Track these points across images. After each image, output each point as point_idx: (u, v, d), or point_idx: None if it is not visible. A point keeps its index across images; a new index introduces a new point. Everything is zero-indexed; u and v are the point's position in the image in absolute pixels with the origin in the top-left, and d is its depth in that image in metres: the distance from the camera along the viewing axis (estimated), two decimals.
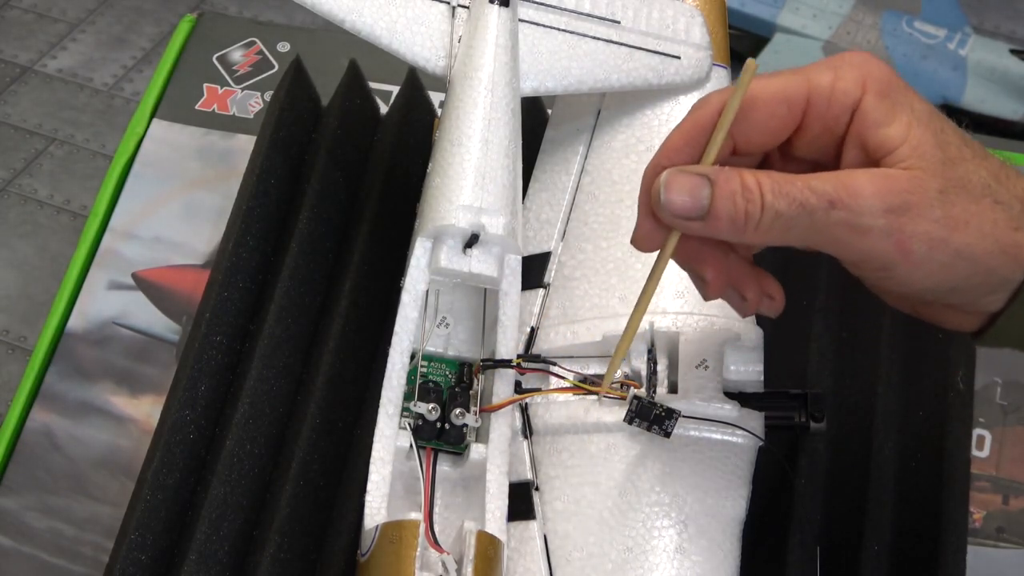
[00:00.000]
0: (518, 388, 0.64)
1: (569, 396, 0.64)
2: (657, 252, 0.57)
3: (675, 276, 0.66)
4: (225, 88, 0.91)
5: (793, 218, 0.52)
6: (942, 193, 0.52)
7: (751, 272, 0.58)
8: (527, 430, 0.64)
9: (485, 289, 0.64)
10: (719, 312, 0.65)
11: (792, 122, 0.55)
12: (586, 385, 0.63)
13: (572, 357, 0.65)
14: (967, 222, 0.53)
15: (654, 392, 0.63)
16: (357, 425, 0.69)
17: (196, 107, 0.90)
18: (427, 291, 0.63)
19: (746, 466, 0.63)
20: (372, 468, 0.60)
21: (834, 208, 0.52)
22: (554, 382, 0.64)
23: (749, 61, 0.53)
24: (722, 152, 0.55)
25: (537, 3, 0.69)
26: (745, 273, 0.58)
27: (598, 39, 0.70)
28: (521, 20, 0.68)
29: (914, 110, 0.54)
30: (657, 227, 0.55)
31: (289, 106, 0.79)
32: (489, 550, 0.57)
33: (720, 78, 0.72)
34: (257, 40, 0.94)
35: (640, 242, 0.56)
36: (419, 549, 0.56)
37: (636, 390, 0.62)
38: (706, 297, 0.58)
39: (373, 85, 0.83)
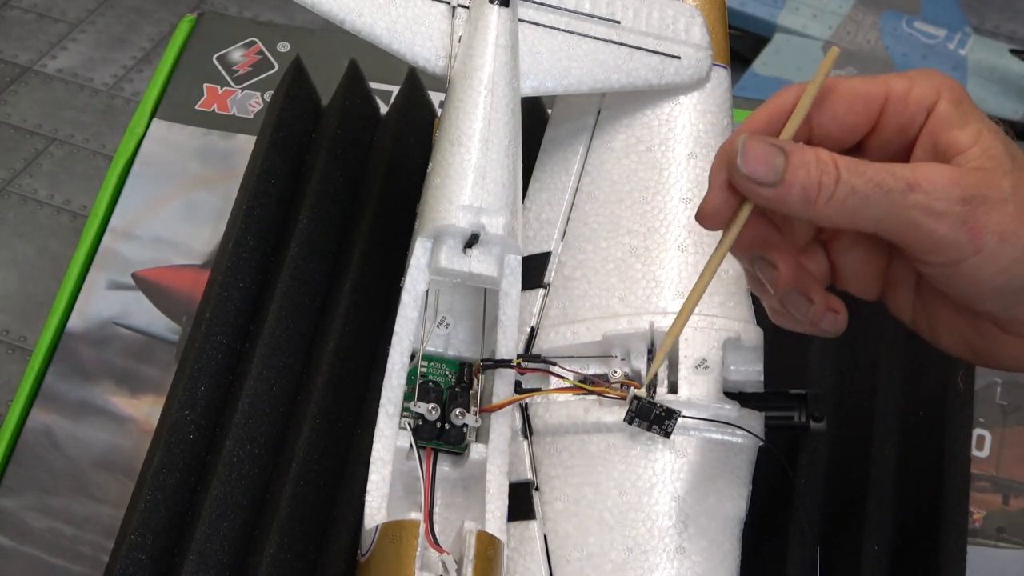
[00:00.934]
0: (518, 388, 0.64)
1: (569, 396, 0.64)
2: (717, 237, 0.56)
3: (675, 276, 0.66)
4: (225, 88, 0.91)
5: (868, 196, 0.52)
6: (1015, 190, 0.53)
7: (816, 278, 0.57)
8: (527, 430, 0.64)
9: (485, 289, 0.64)
10: (719, 312, 0.65)
11: (869, 120, 0.55)
12: (586, 385, 0.63)
13: (572, 357, 0.65)
14: None
15: (654, 392, 0.63)
16: (357, 425, 0.69)
17: (196, 107, 0.90)
18: (427, 291, 0.63)
19: (746, 466, 0.63)
20: (372, 468, 0.60)
21: (912, 191, 0.52)
22: (554, 382, 0.64)
23: (833, 49, 0.55)
24: (798, 137, 0.55)
25: (537, 3, 0.69)
26: (811, 277, 0.57)
27: (598, 39, 0.70)
28: (521, 20, 0.68)
29: (984, 120, 0.55)
30: (727, 199, 0.55)
31: (289, 106, 0.79)
32: (489, 550, 0.57)
33: (720, 78, 0.72)
34: (257, 40, 0.94)
35: (706, 216, 0.56)
36: (419, 549, 0.56)
37: (636, 390, 0.62)
38: (776, 290, 0.57)
39: (373, 85, 0.83)
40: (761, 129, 0.55)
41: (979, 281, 0.54)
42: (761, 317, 0.66)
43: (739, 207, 0.55)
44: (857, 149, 0.56)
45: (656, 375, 0.64)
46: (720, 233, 0.56)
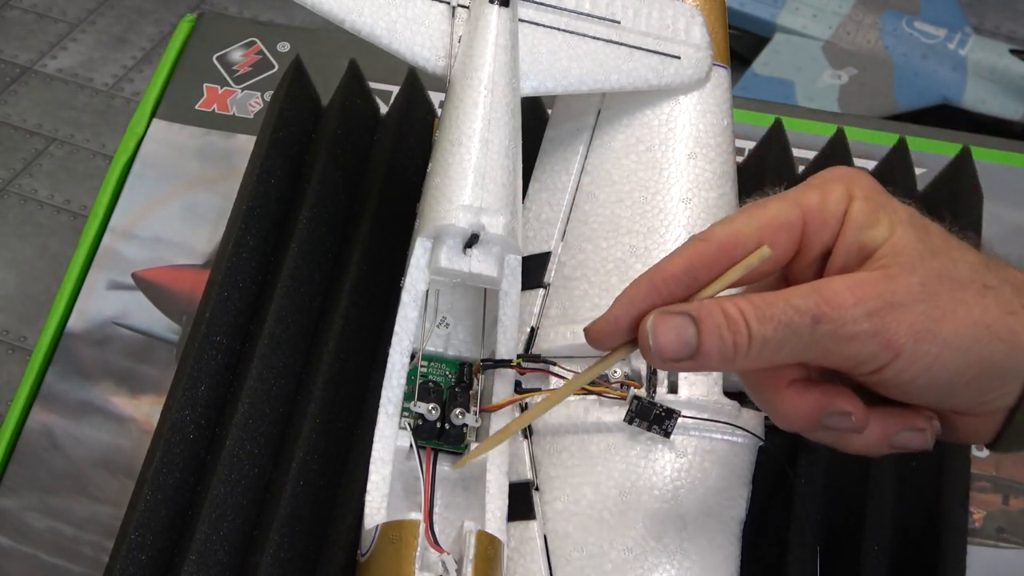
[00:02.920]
0: (518, 388, 0.64)
1: (569, 396, 0.64)
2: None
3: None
4: (225, 88, 0.91)
5: (781, 340, 0.52)
6: (924, 285, 0.52)
7: (841, 387, 0.56)
8: (527, 430, 0.64)
9: (485, 289, 0.64)
10: None
11: (792, 247, 0.55)
12: (586, 385, 0.63)
13: (572, 357, 0.65)
14: (954, 310, 0.52)
15: (654, 392, 0.63)
16: (357, 425, 0.69)
17: (196, 107, 0.90)
18: (427, 291, 0.63)
19: (746, 466, 0.63)
20: (372, 468, 0.60)
21: (819, 323, 0.52)
22: (554, 382, 0.64)
23: (764, 249, 0.53)
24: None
25: (537, 3, 0.69)
26: (835, 390, 0.55)
27: (598, 39, 0.70)
28: (521, 20, 0.68)
29: (896, 211, 0.54)
30: (623, 335, 0.54)
31: (289, 106, 0.79)
32: (489, 550, 0.57)
33: (720, 78, 0.72)
34: (257, 40, 0.94)
35: (600, 337, 0.55)
36: (419, 549, 0.56)
37: (636, 390, 0.62)
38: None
39: (373, 85, 0.83)
40: (678, 274, 0.54)
41: (906, 382, 0.53)
42: None
43: (622, 346, 0.55)
44: (784, 271, 0.56)
45: (656, 374, 0.64)
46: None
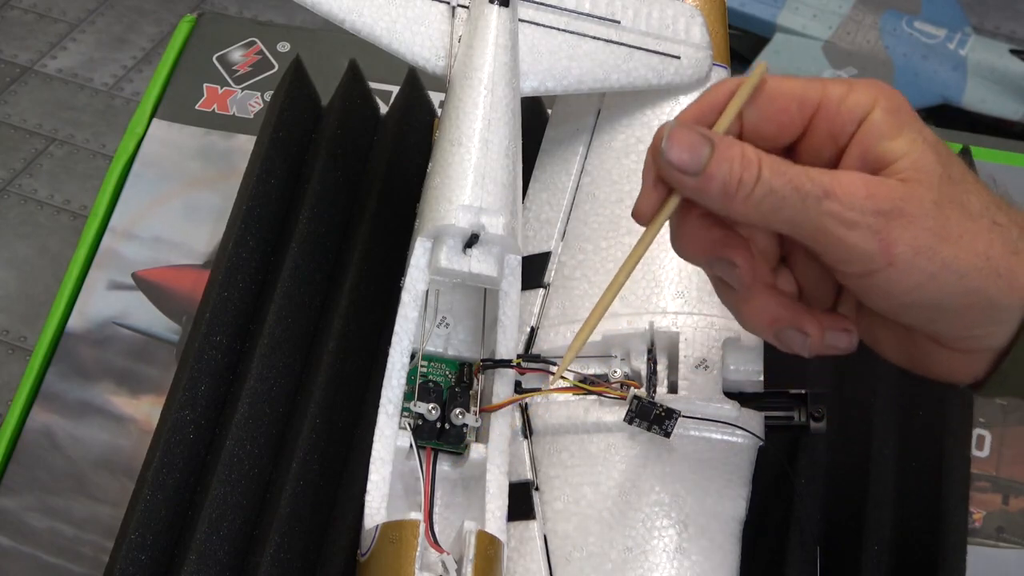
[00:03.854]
0: (518, 388, 0.64)
1: (569, 396, 0.64)
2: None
3: (675, 275, 0.66)
4: (225, 88, 0.91)
5: (785, 198, 0.52)
6: (937, 205, 0.52)
7: (807, 310, 0.56)
8: (527, 430, 0.64)
9: (485, 289, 0.64)
10: (719, 312, 0.65)
11: (801, 121, 0.55)
12: (586, 385, 0.63)
13: None
14: (960, 236, 0.52)
15: (654, 392, 0.63)
16: (357, 425, 0.69)
17: (196, 107, 0.90)
18: (427, 291, 0.63)
19: (746, 466, 0.63)
20: (372, 468, 0.60)
21: (827, 198, 0.51)
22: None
23: (763, 63, 0.54)
24: (730, 133, 0.54)
25: (537, 3, 0.69)
26: (800, 310, 0.56)
27: (598, 39, 0.70)
28: (521, 20, 0.68)
29: (921, 131, 0.53)
30: (660, 195, 0.54)
31: (289, 106, 0.79)
32: (489, 550, 0.57)
33: (720, 78, 0.72)
34: (257, 40, 0.94)
35: (641, 213, 0.55)
36: (419, 549, 0.56)
37: (636, 390, 0.62)
38: (741, 284, 0.56)
39: (373, 85, 0.83)
40: (692, 121, 0.55)
41: (893, 295, 0.53)
42: None
43: (666, 198, 0.55)
44: (789, 151, 0.55)
45: (656, 374, 0.64)
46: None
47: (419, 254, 0.62)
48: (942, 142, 0.54)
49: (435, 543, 0.57)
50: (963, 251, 0.52)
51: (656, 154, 0.53)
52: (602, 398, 0.63)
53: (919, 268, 0.51)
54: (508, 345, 0.63)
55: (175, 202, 0.85)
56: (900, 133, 0.53)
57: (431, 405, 0.61)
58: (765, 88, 0.54)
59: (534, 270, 0.69)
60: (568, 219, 0.70)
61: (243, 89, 0.91)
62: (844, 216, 0.51)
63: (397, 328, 0.62)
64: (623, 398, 0.62)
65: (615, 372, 0.64)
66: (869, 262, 0.52)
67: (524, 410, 0.65)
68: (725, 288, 0.57)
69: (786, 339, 0.56)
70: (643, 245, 0.55)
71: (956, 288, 0.52)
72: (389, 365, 0.62)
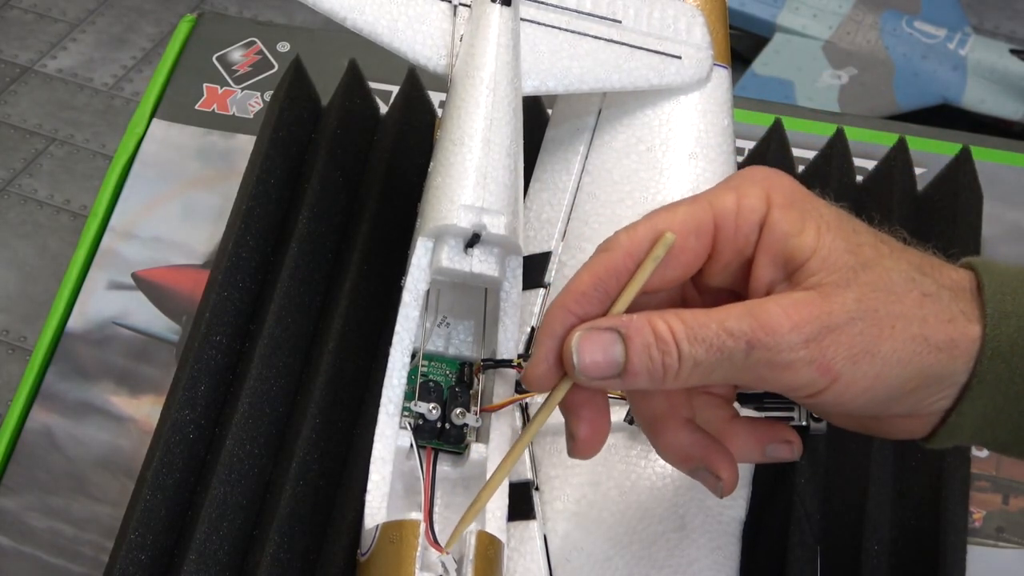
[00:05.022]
0: (518, 388, 0.64)
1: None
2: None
3: None
4: (225, 88, 0.91)
5: (713, 364, 0.50)
6: (859, 301, 0.50)
7: (725, 449, 0.55)
8: None
9: (486, 289, 0.64)
10: None
11: (703, 251, 0.53)
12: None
13: None
14: (892, 326, 0.51)
15: None
16: (357, 425, 0.69)
17: (196, 107, 0.90)
18: (428, 291, 0.63)
19: (746, 466, 0.63)
20: (372, 468, 0.60)
21: (753, 349, 0.50)
22: None
23: (668, 235, 0.51)
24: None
25: (539, 2, 0.69)
26: (715, 450, 0.55)
27: (599, 39, 0.70)
28: (522, 19, 0.68)
29: (822, 216, 0.52)
30: (556, 371, 0.53)
31: (289, 106, 0.79)
32: (489, 550, 0.57)
33: (721, 78, 0.72)
34: (257, 40, 0.94)
35: (533, 381, 0.53)
36: (419, 549, 0.56)
37: None
38: (571, 453, 0.55)
39: (373, 85, 0.83)
40: (588, 291, 0.52)
41: (844, 403, 0.52)
42: None
43: (560, 380, 0.53)
44: (699, 275, 0.54)
45: None
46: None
47: (420, 254, 0.62)
48: (844, 216, 0.52)
49: (435, 543, 0.57)
50: (899, 341, 0.51)
51: (568, 367, 0.52)
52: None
53: (862, 373, 0.51)
54: (509, 345, 0.63)
55: (175, 202, 0.85)
56: (803, 227, 0.51)
57: (431, 405, 0.61)
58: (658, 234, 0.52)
59: (535, 270, 0.69)
60: (569, 219, 0.70)
61: (243, 89, 0.91)
62: (775, 360, 0.50)
63: (398, 328, 0.62)
64: (623, 398, 0.62)
65: None
66: (814, 386, 0.51)
67: (524, 410, 0.65)
68: (642, 416, 0.56)
69: (700, 479, 0.55)
70: (533, 429, 0.54)
71: (901, 378, 0.51)
72: (389, 365, 0.62)
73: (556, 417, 0.64)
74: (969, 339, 0.51)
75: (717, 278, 0.54)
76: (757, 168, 0.54)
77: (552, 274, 0.69)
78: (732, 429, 0.56)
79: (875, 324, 0.50)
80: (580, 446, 0.54)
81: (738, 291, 0.53)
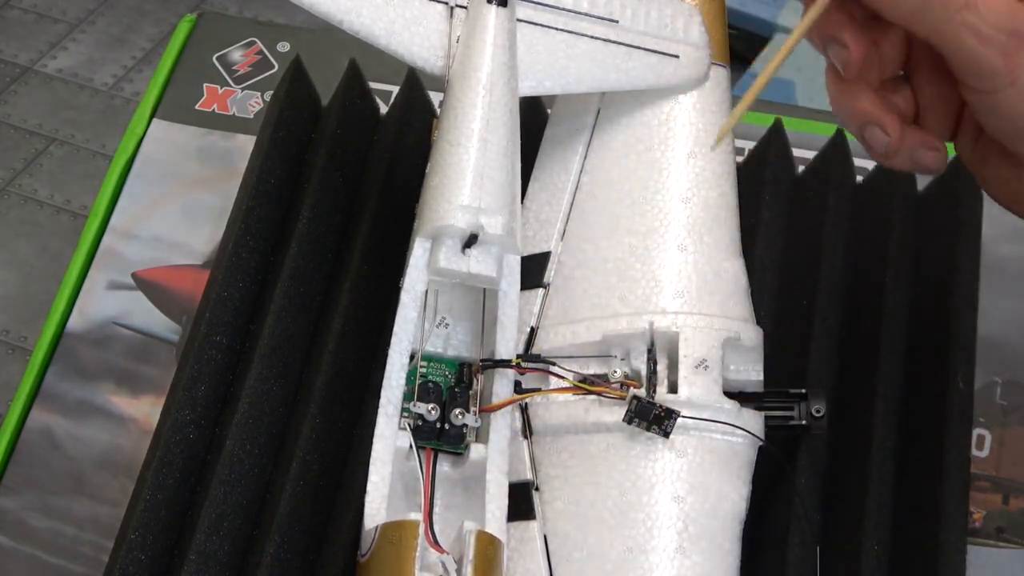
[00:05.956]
0: (518, 388, 0.64)
1: (569, 396, 0.64)
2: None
3: (674, 275, 0.66)
4: (225, 88, 0.91)
5: (929, 1, 0.53)
6: None
7: (898, 117, 0.59)
8: (527, 430, 0.65)
9: (484, 289, 0.64)
10: (719, 312, 0.65)
11: None
12: (586, 385, 0.63)
13: (572, 357, 0.65)
14: None
15: (654, 392, 0.63)
16: (357, 425, 0.69)
17: (196, 107, 0.90)
18: (426, 291, 0.63)
19: (746, 466, 0.63)
20: (372, 468, 0.60)
21: (967, 8, 0.53)
22: (554, 382, 0.64)
23: None
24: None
25: (535, 3, 0.69)
26: (890, 113, 0.58)
27: (596, 39, 0.70)
28: (519, 20, 0.68)
29: None
30: None
31: (289, 106, 0.79)
32: (489, 550, 0.57)
33: (719, 77, 0.72)
34: (257, 40, 0.94)
35: None
36: (419, 549, 0.56)
37: (636, 390, 0.62)
38: (848, 71, 0.58)
39: (373, 85, 0.83)
40: None
41: (1011, 117, 0.55)
42: (761, 317, 0.67)
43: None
44: None
45: (656, 374, 0.64)
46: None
47: (418, 254, 0.62)
48: None
49: (435, 543, 0.57)
50: None
51: None
52: (602, 398, 0.63)
53: None
54: (508, 345, 0.63)
55: (175, 202, 0.85)
56: None
57: (431, 405, 0.61)
58: None
59: (534, 270, 0.69)
60: (568, 219, 0.70)
61: (243, 89, 0.91)
62: (979, 29, 0.53)
63: (396, 328, 0.62)
64: (623, 398, 0.62)
65: (615, 372, 0.64)
66: (993, 79, 0.54)
67: (524, 410, 0.65)
68: (833, 74, 0.59)
69: (868, 136, 0.59)
70: (804, 25, 0.57)
71: None
72: (388, 365, 0.62)
73: (556, 418, 0.64)
74: None
75: None
76: None
77: (551, 274, 0.69)
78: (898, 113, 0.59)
79: None
80: (853, 58, 0.57)
81: None
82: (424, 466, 0.61)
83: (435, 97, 0.82)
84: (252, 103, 0.91)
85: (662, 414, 0.60)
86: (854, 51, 0.57)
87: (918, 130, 0.60)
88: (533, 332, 0.67)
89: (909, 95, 0.60)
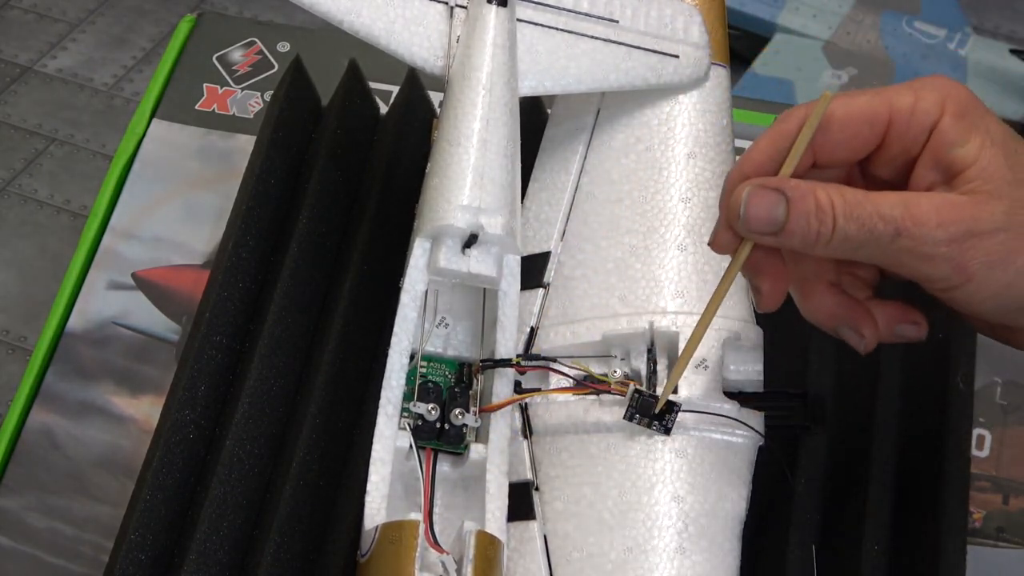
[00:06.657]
0: (518, 388, 0.64)
1: (569, 396, 0.64)
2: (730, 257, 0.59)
3: (674, 275, 0.66)
4: (225, 88, 0.91)
5: (861, 241, 0.54)
6: (1007, 214, 0.54)
7: (868, 310, 0.59)
8: (527, 430, 0.65)
9: (484, 289, 0.64)
10: (719, 312, 0.65)
11: (873, 141, 0.57)
12: (586, 382, 0.63)
13: (572, 357, 0.65)
14: None
15: (654, 391, 0.63)
16: (357, 425, 0.69)
17: (196, 107, 0.90)
18: (426, 291, 0.63)
19: (746, 466, 0.63)
20: (372, 468, 0.60)
21: (899, 236, 0.54)
22: (554, 382, 0.64)
23: (827, 92, 0.56)
24: (803, 165, 0.57)
25: (535, 3, 0.69)
26: (859, 311, 0.59)
27: (596, 38, 0.70)
28: (519, 20, 0.68)
29: (989, 131, 0.55)
30: (735, 235, 0.57)
31: (289, 106, 0.79)
32: (489, 550, 0.57)
33: (719, 77, 0.72)
34: (257, 40, 0.94)
35: (718, 246, 0.58)
36: (419, 549, 0.56)
37: (636, 386, 0.62)
38: (760, 307, 0.60)
39: (373, 85, 0.83)
40: (764, 160, 0.57)
41: (974, 304, 0.56)
42: (761, 317, 0.66)
43: (740, 244, 0.58)
44: (866, 162, 0.58)
45: (656, 373, 0.64)
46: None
47: (418, 254, 0.62)
48: (1011, 135, 0.56)
49: (435, 543, 0.57)
50: None
51: (733, 216, 0.56)
52: (602, 398, 0.63)
53: (995, 280, 0.54)
54: (508, 345, 0.63)
55: (175, 202, 0.85)
56: (969, 138, 0.55)
57: (431, 405, 0.61)
58: (834, 115, 0.56)
59: (534, 270, 0.69)
60: (568, 219, 0.70)
61: (243, 89, 0.91)
62: (918, 251, 0.54)
63: (396, 328, 0.62)
64: (623, 394, 0.62)
65: (615, 372, 0.64)
66: (948, 282, 0.55)
67: (524, 410, 0.65)
68: (793, 286, 0.60)
69: (844, 336, 0.60)
70: (724, 287, 0.59)
71: None
72: (388, 365, 0.62)
73: (556, 418, 0.64)
74: None
75: (882, 169, 0.57)
76: (940, 77, 0.57)
77: (551, 274, 0.69)
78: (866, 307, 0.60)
79: (1018, 237, 0.54)
80: (765, 299, 0.59)
81: (898, 185, 0.57)
82: (424, 466, 0.61)
83: (435, 97, 0.82)
84: (252, 103, 0.91)
85: (663, 409, 0.60)
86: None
87: (898, 305, 0.60)
88: (533, 332, 0.67)
89: (871, 266, 0.60)
